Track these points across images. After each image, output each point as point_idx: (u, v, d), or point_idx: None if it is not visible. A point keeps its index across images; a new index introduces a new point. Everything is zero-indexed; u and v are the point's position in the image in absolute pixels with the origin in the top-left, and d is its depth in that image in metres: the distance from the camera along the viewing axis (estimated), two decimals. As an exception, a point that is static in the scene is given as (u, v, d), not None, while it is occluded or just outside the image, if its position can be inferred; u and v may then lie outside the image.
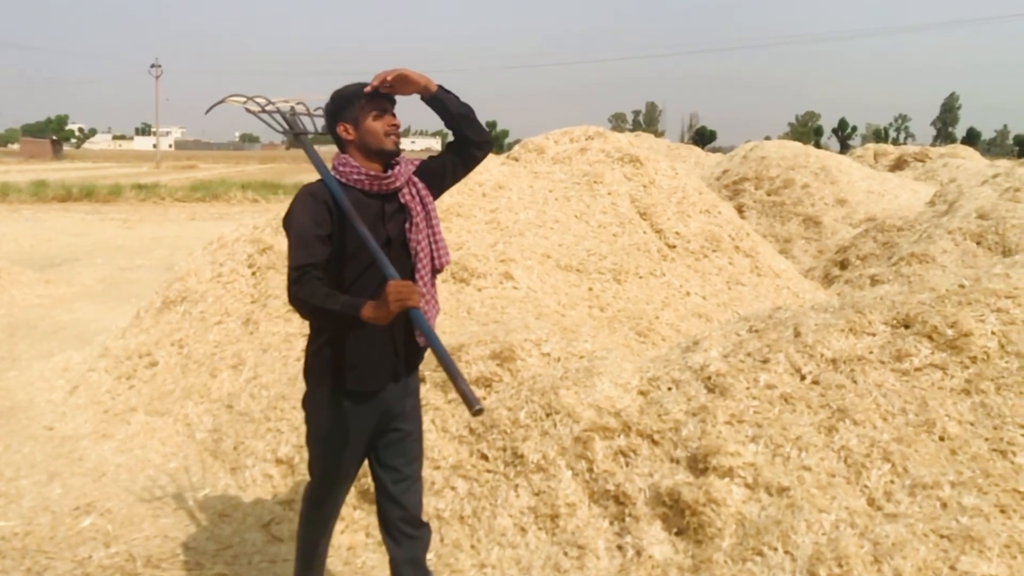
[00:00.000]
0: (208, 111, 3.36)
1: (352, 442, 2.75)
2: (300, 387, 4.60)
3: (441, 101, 2.72)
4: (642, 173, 7.21)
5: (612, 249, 6.25)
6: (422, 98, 2.72)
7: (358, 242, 2.53)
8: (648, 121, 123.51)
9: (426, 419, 4.03)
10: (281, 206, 7.01)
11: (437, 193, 2.79)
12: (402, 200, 2.68)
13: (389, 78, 2.60)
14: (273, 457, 4.33)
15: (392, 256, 2.57)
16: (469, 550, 3.49)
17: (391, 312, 2.31)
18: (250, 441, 4.49)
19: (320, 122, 2.88)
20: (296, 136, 2.94)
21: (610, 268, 5.97)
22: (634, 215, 6.77)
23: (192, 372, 5.31)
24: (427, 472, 3.84)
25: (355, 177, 2.62)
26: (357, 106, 2.63)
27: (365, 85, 2.64)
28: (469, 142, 2.79)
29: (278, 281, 5.68)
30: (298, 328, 5.24)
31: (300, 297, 2.41)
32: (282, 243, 5.98)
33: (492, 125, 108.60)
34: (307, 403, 2.80)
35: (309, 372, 2.75)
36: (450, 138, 2.90)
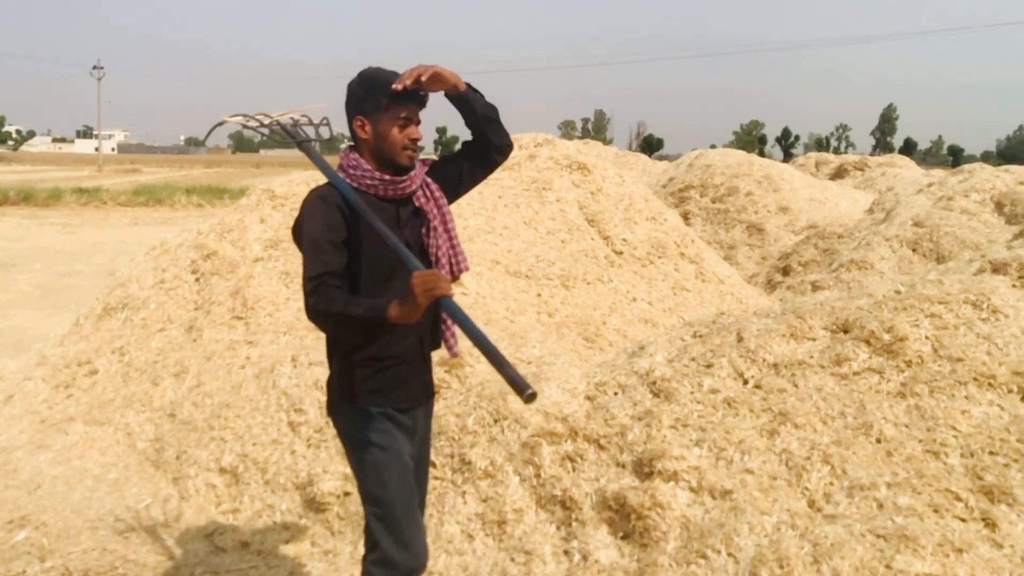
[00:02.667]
0: (207, 136, 3.33)
1: (405, 459, 2.52)
2: (245, 395, 4.54)
3: (468, 101, 2.49)
4: (590, 180, 7.27)
5: (560, 255, 6.29)
6: (447, 95, 2.48)
7: (376, 247, 2.36)
8: (597, 129, 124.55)
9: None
10: (227, 211, 6.91)
11: (452, 198, 2.61)
12: (416, 203, 2.51)
13: (424, 77, 2.37)
14: (217, 466, 4.26)
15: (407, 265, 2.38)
16: (416, 557, 3.47)
17: (420, 305, 2.12)
18: (193, 450, 4.41)
19: (324, 131, 2.78)
20: (300, 144, 2.77)
21: (558, 274, 6.01)
22: (582, 222, 6.83)
23: (133, 380, 5.20)
24: (374, 480, 3.82)
25: (367, 182, 2.44)
26: (383, 102, 2.40)
27: (394, 74, 2.41)
28: (491, 146, 2.58)
29: (222, 287, 5.59)
30: (242, 335, 5.17)
31: (319, 308, 2.22)
32: (227, 249, 5.90)
33: (442, 131, 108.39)
34: (347, 426, 2.54)
35: (339, 396, 2.52)
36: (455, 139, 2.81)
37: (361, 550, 3.57)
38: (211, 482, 4.22)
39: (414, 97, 2.42)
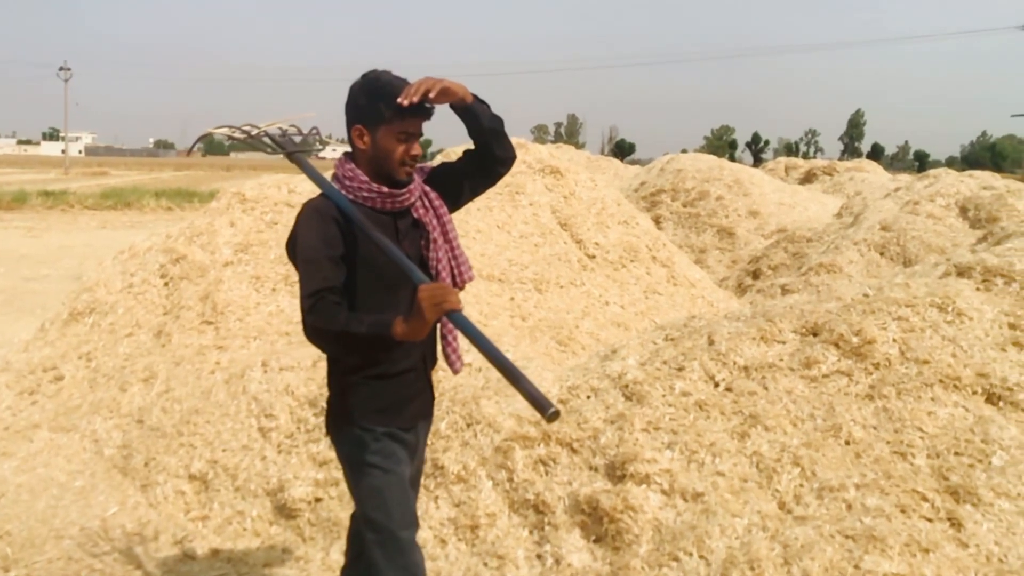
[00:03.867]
0: (191, 148, 3.22)
1: (405, 476, 2.46)
2: (214, 400, 4.50)
3: (475, 113, 2.37)
4: (563, 184, 7.29)
5: (533, 259, 6.30)
6: (452, 106, 2.37)
7: (375, 260, 2.28)
8: (569, 133, 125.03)
9: (345, 431, 3.99)
10: (197, 214, 6.83)
11: (452, 208, 2.52)
12: (415, 215, 2.41)
13: (432, 93, 2.25)
14: (186, 473, 4.21)
15: (407, 279, 2.29)
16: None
17: (427, 321, 2.04)
18: (162, 457, 4.35)
19: (314, 142, 2.70)
20: (290, 156, 2.64)
21: (531, 278, 6.02)
22: (555, 226, 6.85)
23: (101, 386, 5.13)
24: (343, 486, 3.79)
25: (364, 194, 2.33)
26: (386, 114, 2.28)
27: (401, 82, 2.29)
28: (496, 158, 2.48)
29: (192, 292, 5.53)
30: (212, 340, 5.12)
31: (318, 326, 2.13)
32: (197, 253, 5.84)
33: (426, 144, 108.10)
34: (348, 447, 2.44)
35: (340, 415, 2.43)
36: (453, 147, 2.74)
37: (333, 556, 3.56)
38: (180, 489, 4.17)
39: (419, 112, 2.30)
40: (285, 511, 3.84)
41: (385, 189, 2.33)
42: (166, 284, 5.79)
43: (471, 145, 2.49)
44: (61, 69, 61.32)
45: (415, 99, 2.23)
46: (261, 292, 5.46)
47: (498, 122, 2.44)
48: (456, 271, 2.47)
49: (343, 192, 2.34)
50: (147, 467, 4.36)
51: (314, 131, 2.73)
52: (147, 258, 6.08)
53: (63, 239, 17.17)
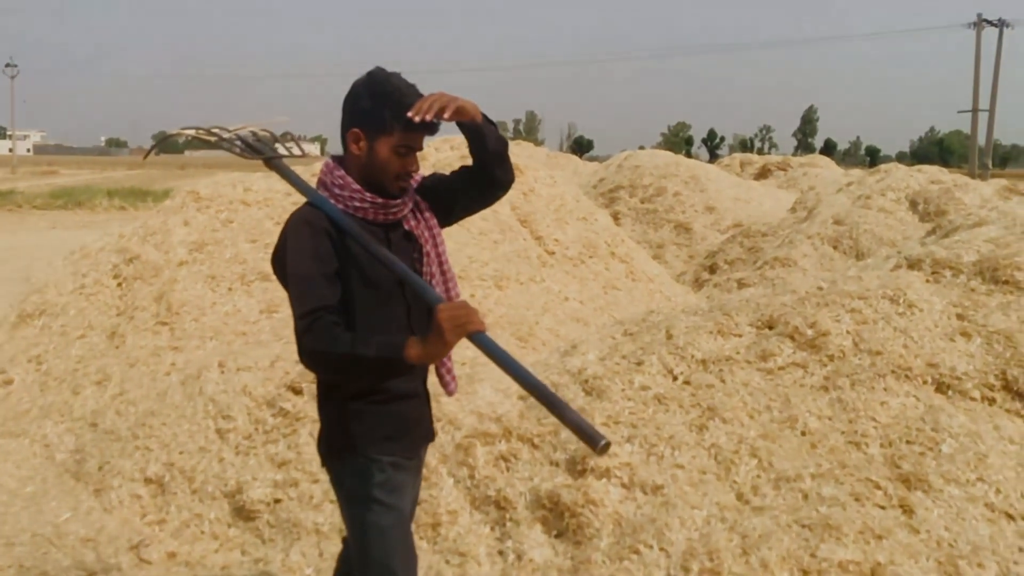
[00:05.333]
0: (151, 151, 2.94)
1: (406, 512, 2.31)
2: (170, 402, 4.43)
3: (483, 134, 2.20)
4: (522, 181, 7.29)
5: (493, 256, 6.30)
6: (460, 125, 2.19)
7: (368, 275, 2.13)
8: (528, 130, 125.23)
9: (304, 432, 3.96)
10: (150, 214, 6.71)
11: (442, 224, 2.36)
12: (407, 227, 2.25)
13: (447, 114, 2.09)
14: (141, 476, 4.14)
15: (403, 294, 2.18)
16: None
17: (449, 344, 1.91)
18: (116, 460, 4.27)
19: (292, 147, 2.51)
20: (268, 161, 2.42)
21: (491, 275, 6.02)
22: (514, 222, 6.85)
23: (52, 390, 5.02)
24: (306, 486, 3.77)
25: (356, 204, 2.15)
26: (390, 124, 2.11)
27: (411, 90, 2.14)
28: (496, 181, 2.31)
29: (146, 292, 5.44)
30: (167, 341, 5.04)
31: (317, 349, 1.95)
32: (151, 253, 5.75)
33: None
34: (349, 480, 2.25)
35: (340, 444, 2.24)
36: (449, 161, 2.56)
37: (293, 557, 3.53)
38: (136, 493, 4.10)
39: (426, 127, 2.13)
40: (244, 513, 3.79)
41: (379, 200, 2.16)
42: (119, 285, 5.69)
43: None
44: (7, 66, 59.79)
45: (428, 116, 2.07)
46: (217, 292, 5.39)
47: (503, 145, 2.28)
48: (443, 287, 2.32)
49: (332, 201, 2.16)
50: (101, 471, 4.28)
51: (287, 135, 2.54)
52: (99, 258, 5.96)
53: (11, 240, 16.75)
